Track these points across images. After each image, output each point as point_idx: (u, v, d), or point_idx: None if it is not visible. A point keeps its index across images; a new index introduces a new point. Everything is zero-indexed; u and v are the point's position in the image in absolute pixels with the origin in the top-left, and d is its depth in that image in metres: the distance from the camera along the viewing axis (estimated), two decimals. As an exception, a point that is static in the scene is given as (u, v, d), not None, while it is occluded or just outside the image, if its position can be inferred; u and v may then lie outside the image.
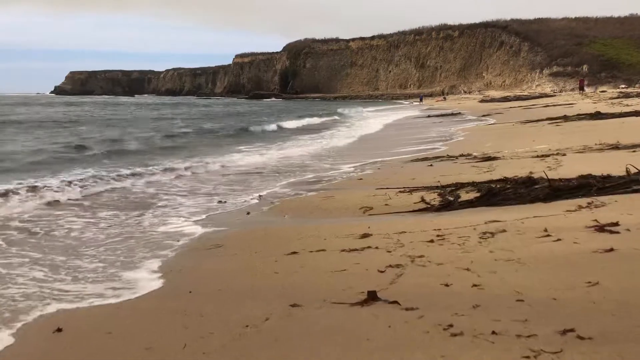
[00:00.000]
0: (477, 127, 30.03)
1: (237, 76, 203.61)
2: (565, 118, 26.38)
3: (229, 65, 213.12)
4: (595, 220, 6.84)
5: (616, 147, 14.70)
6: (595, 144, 15.63)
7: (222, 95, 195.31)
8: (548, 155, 14.29)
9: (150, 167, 16.83)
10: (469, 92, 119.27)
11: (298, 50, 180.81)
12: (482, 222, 7.31)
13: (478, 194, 9.32)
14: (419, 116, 47.71)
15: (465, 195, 9.44)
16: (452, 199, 9.34)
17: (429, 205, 9.16)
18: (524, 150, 16.23)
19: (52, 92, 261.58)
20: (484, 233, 6.78)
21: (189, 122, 47.33)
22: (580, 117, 26.29)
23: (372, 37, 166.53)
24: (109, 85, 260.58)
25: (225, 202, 11.42)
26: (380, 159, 17.92)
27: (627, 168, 9.18)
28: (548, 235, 6.43)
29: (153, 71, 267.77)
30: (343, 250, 6.69)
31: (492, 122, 32.42)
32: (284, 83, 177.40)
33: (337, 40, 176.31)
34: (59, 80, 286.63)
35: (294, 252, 6.84)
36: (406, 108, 69.99)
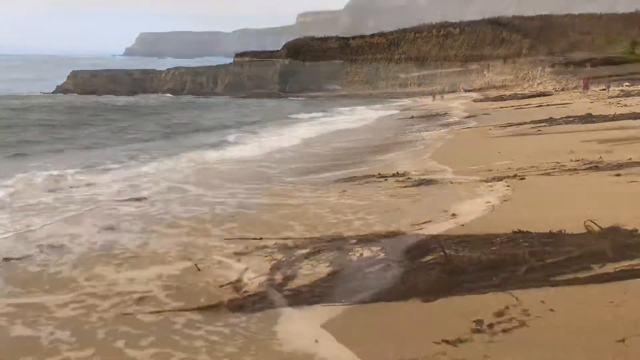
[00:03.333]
0: (451, 131, 25.89)
1: (238, 75, 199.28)
2: (551, 121, 22.35)
3: (230, 64, 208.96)
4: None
5: (596, 166, 10.75)
6: (571, 160, 11.69)
7: (221, 95, 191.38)
8: (502, 179, 10.36)
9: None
10: (470, 91, 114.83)
11: (297, 49, 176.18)
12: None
13: (328, 270, 5.41)
14: (401, 117, 43.49)
15: (304, 273, 5.51)
16: (277, 283, 5.42)
17: (228, 300, 5.24)
18: (478, 167, 12.25)
19: (54, 92, 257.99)
20: None
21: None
22: (568, 119, 22.23)
23: (372, 35, 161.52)
24: (111, 84, 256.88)
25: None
26: (307, 177, 13.99)
27: (586, 226, 5.25)
28: None
29: (155, 70, 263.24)
30: None
31: (470, 126, 28.32)
32: (284, 82, 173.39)
33: (336, 38, 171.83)
34: (61, 79, 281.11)
35: None
36: (394, 107, 65.62)
